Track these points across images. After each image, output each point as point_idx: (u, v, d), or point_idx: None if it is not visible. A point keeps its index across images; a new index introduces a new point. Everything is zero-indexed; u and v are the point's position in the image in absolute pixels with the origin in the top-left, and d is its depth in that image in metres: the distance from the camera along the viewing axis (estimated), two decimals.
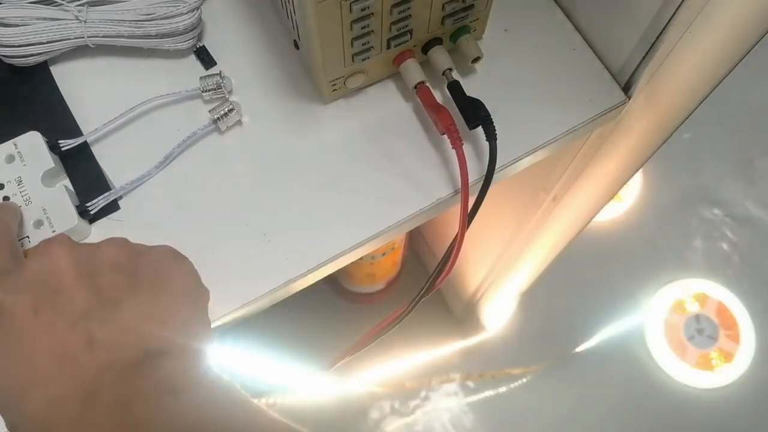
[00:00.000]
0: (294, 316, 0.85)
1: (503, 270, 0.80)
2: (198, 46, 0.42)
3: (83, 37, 0.39)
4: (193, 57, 0.42)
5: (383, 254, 0.89)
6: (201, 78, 0.40)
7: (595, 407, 1.11)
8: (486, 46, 0.42)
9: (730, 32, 0.33)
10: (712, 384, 1.13)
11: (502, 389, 1.12)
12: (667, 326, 1.15)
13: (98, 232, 0.38)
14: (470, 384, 1.11)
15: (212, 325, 0.36)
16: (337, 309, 1.10)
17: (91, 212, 0.37)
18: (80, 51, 0.41)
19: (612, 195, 0.51)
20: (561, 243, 0.63)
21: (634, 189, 1.25)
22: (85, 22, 0.39)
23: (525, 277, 0.76)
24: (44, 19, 0.39)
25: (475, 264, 0.88)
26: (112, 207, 0.38)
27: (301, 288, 0.39)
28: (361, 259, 0.90)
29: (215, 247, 0.37)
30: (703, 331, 1.15)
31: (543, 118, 0.41)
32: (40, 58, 0.40)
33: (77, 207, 0.37)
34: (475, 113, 0.38)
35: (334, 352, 0.74)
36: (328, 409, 1.07)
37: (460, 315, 1.09)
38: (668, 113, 0.40)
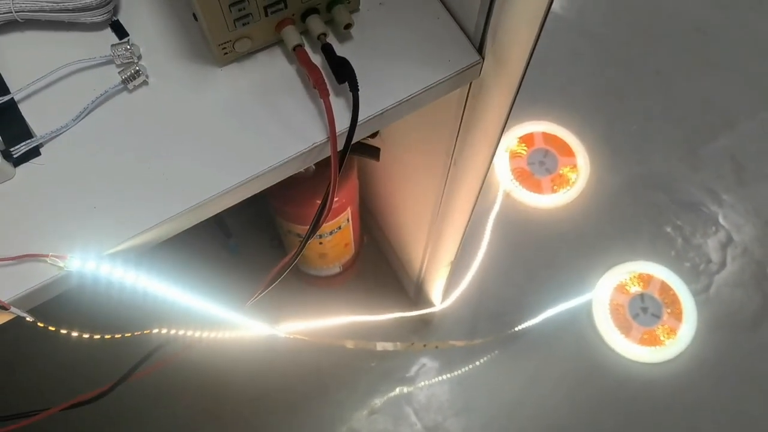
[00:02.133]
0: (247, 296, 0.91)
1: (435, 242, 0.86)
2: (113, 20, 0.49)
3: (11, 12, 0.46)
4: (109, 30, 0.49)
5: (330, 233, 0.96)
6: (112, 45, 0.47)
7: (545, 382, 1.17)
8: (362, 17, 0.49)
9: None
10: (656, 359, 1.18)
11: (457, 371, 1.18)
12: (613, 305, 1.21)
13: (22, 173, 0.44)
14: (426, 362, 1.17)
15: (120, 247, 0.42)
16: (295, 291, 1.16)
17: (14, 156, 0.44)
18: (10, 25, 0.48)
19: (492, 153, 0.57)
20: (467, 207, 0.69)
21: (583, 176, 1.32)
22: None
23: (451, 247, 0.82)
24: None
25: (414, 239, 0.94)
26: (34, 153, 0.45)
27: (197, 220, 0.45)
28: None
29: (122, 184, 0.44)
30: (647, 310, 1.21)
31: (407, 76, 0.48)
32: None
33: (2, 152, 0.43)
34: (341, 70, 0.45)
35: (288, 325, 0.80)
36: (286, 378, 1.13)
37: (413, 295, 1.15)
38: (511, 67, 0.46)
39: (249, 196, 0.47)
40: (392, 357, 1.17)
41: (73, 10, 0.47)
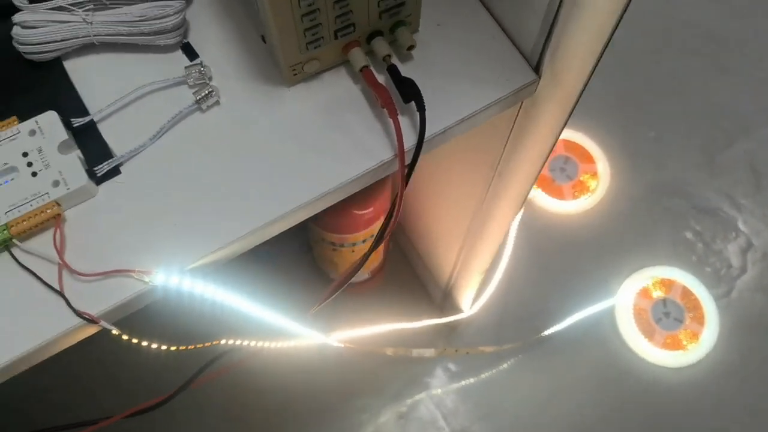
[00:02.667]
0: (288, 303, 0.93)
1: (469, 250, 0.88)
2: (183, 42, 0.51)
3: (89, 36, 0.48)
4: (179, 51, 0.51)
5: (363, 241, 0.98)
6: (186, 67, 0.49)
7: (571, 387, 1.19)
8: (421, 37, 0.51)
9: (597, 14, 0.42)
10: (679, 363, 1.20)
11: (483, 374, 1.20)
12: (636, 310, 1.23)
13: (104, 191, 0.46)
14: (452, 368, 1.19)
15: (202, 261, 0.44)
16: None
17: (98, 174, 0.46)
18: (87, 48, 0.50)
19: (540, 166, 0.59)
20: (509, 218, 0.71)
21: (603, 183, 1.34)
22: (91, 23, 0.48)
23: (487, 256, 0.84)
24: (57, 21, 0.48)
25: (447, 248, 0.96)
26: (115, 172, 0.47)
27: (274, 234, 0.47)
28: (342, 246, 0.98)
29: (200, 200, 0.46)
30: (670, 314, 1.23)
31: (467, 94, 0.50)
32: (54, 54, 0.49)
33: (86, 171, 0.45)
34: (408, 89, 0.47)
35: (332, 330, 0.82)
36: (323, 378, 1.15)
37: (440, 301, 1.17)
38: (569, 87, 0.48)
39: (318, 211, 0.49)
40: (419, 362, 1.19)
41: (149, 34, 0.49)
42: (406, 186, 0.47)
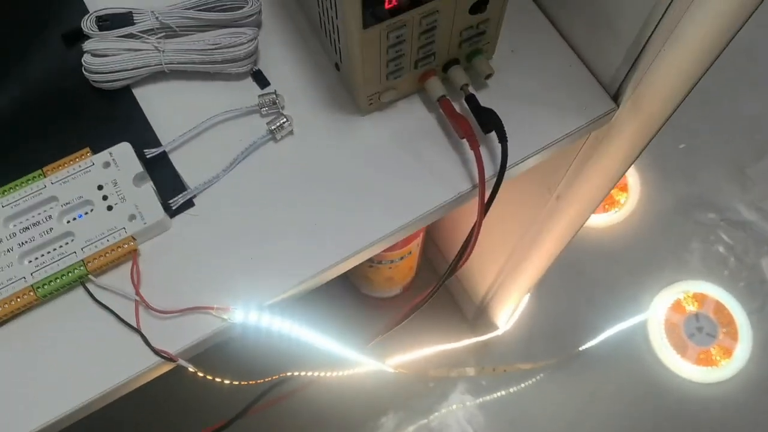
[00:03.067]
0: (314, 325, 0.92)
1: (513, 269, 0.87)
2: (254, 70, 0.49)
3: (161, 64, 0.47)
4: (250, 79, 0.50)
5: (401, 258, 0.97)
6: (259, 96, 0.48)
7: (603, 403, 1.18)
8: (496, 65, 0.50)
9: (694, 50, 0.41)
10: (712, 379, 1.19)
11: (513, 388, 1.19)
12: (668, 325, 1.22)
13: (178, 224, 0.45)
14: (483, 382, 1.18)
15: (280, 297, 0.43)
16: (355, 313, 1.17)
17: (173, 208, 0.45)
18: (157, 76, 0.49)
19: (607, 192, 0.58)
20: (564, 239, 0.70)
21: (633, 196, 1.32)
22: (163, 51, 0.47)
23: (532, 275, 0.83)
24: (129, 49, 0.47)
25: (487, 266, 0.95)
26: (189, 204, 0.46)
27: (349, 267, 0.46)
28: (380, 263, 0.97)
29: (276, 233, 0.45)
30: (703, 329, 1.22)
31: (546, 123, 0.48)
32: (124, 83, 0.48)
33: (162, 204, 0.44)
34: (489, 120, 0.46)
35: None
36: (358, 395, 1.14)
37: (472, 317, 1.16)
38: (650, 118, 0.47)
39: (393, 243, 0.48)
40: (449, 380, 1.18)
41: (221, 62, 0.47)
42: (485, 216, 0.46)
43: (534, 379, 1.19)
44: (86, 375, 0.41)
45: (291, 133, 0.48)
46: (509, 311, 1.01)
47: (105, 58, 0.47)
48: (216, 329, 0.42)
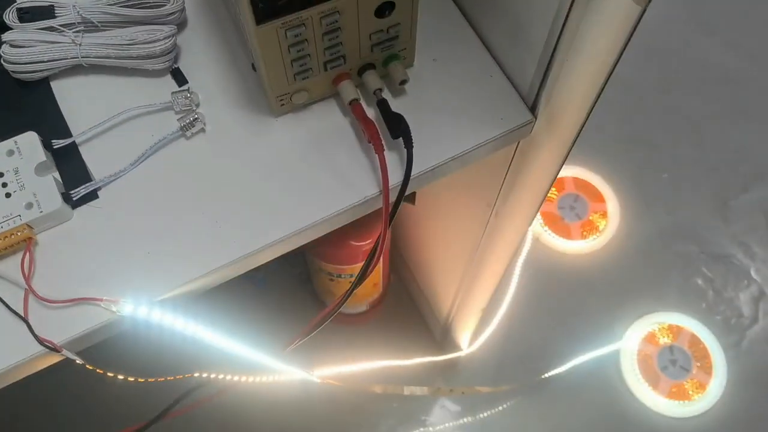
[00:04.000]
0: (279, 337, 0.91)
1: (467, 289, 0.86)
2: (174, 68, 0.50)
3: (78, 58, 0.48)
4: (169, 76, 0.50)
5: None
6: (172, 93, 0.48)
7: None
8: (416, 73, 0.50)
9: (592, 61, 0.40)
10: (685, 413, 1.16)
11: (481, 414, 1.17)
12: (641, 356, 1.19)
13: (80, 215, 0.45)
14: (449, 405, 1.16)
15: (172, 293, 0.43)
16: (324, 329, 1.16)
17: (74, 198, 0.45)
18: (75, 69, 0.49)
19: (537, 207, 0.57)
20: (507, 255, 0.69)
21: (613, 223, 1.31)
22: (80, 45, 0.47)
23: (484, 294, 0.82)
24: (47, 42, 0.48)
25: (445, 285, 0.94)
26: (92, 196, 0.45)
27: (251, 267, 0.46)
28: (340, 276, 0.97)
29: (176, 230, 0.45)
30: (677, 362, 1.19)
31: (459, 132, 0.48)
32: (42, 74, 0.49)
33: (62, 194, 0.44)
34: (397, 125, 0.45)
35: (323, 365, 0.80)
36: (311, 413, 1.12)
37: (439, 338, 1.14)
38: (565, 128, 0.47)
39: (297, 246, 0.47)
40: (414, 399, 1.16)
41: (137, 58, 0.48)
42: (390, 224, 0.46)
43: (503, 407, 1.17)
44: None
45: (203, 131, 0.48)
46: (470, 332, 1.00)
47: (24, 49, 0.48)
48: (104, 321, 0.42)
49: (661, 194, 1.34)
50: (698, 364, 1.19)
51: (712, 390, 1.17)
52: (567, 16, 0.40)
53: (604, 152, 1.37)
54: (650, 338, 1.21)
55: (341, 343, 1.10)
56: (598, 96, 0.43)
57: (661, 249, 1.29)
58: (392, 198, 0.45)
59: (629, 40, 0.37)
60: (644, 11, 0.35)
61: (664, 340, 1.21)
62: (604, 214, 1.32)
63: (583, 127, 0.46)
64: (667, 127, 1.41)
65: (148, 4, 0.49)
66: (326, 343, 0.96)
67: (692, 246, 1.30)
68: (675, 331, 1.22)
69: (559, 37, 0.42)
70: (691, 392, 1.17)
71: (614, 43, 0.38)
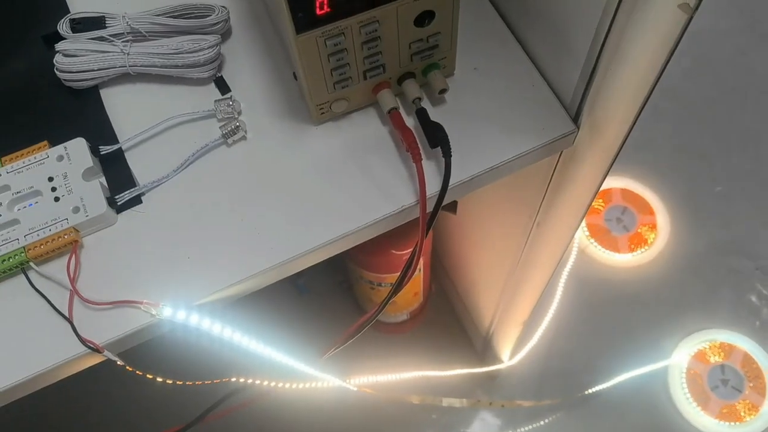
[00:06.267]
0: (320, 344, 0.91)
1: (509, 299, 0.84)
2: (217, 76, 0.51)
3: (126, 66, 0.49)
4: (213, 85, 0.51)
5: None
6: (215, 101, 0.49)
7: None
8: (456, 81, 0.49)
9: (637, 69, 0.39)
10: None
11: (521, 429, 1.15)
12: (690, 375, 1.15)
13: (124, 219, 0.46)
14: (488, 418, 1.14)
15: (210, 298, 0.43)
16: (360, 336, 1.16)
17: (118, 203, 0.46)
18: (123, 77, 0.50)
19: (582, 216, 0.56)
20: (549, 267, 0.68)
21: (663, 236, 1.27)
22: (128, 54, 0.49)
23: (525, 307, 0.81)
24: (97, 51, 0.49)
25: (486, 295, 0.93)
26: (136, 201, 0.47)
27: (289, 273, 0.46)
28: (380, 285, 0.97)
29: (216, 235, 0.45)
30: (728, 382, 1.15)
31: (499, 142, 0.47)
32: (92, 83, 0.50)
33: (107, 198, 0.45)
34: (435, 134, 0.45)
35: (361, 374, 0.80)
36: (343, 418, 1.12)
37: (480, 349, 1.13)
38: (609, 138, 0.46)
39: (335, 254, 0.47)
40: (454, 411, 1.15)
41: (182, 67, 0.49)
42: (426, 234, 0.45)
43: (543, 422, 1.15)
44: (13, 359, 0.42)
45: (244, 138, 0.49)
46: (511, 345, 0.98)
47: (75, 58, 0.49)
48: (144, 324, 0.43)
49: (714, 207, 1.30)
50: (751, 384, 1.14)
51: (766, 412, 1.12)
52: (611, 23, 0.39)
53: (654, 164, 1.33)
54: (700, 356, 1.17)
55: (381, 352, 1.10)
56: (644, 105, 0.41)
57: (713, 264, 1.25)
58: (429, 208, 0.45)
59: (675, 48, 0.36)
60: (691, 19, 0.34)
61: (715, 358, 1.17)
62: (653, 227, 1.28)
63: (627, 137, 0.45)
64: (721, 138, 1.36)
65: (193, 15, 0.51)
66: (365, 352, 0.96)
67: (746, 261, 1.25)
68: (727, 349, 1.17)
69: (602, 46, 0.41)
70: (743, 413, 1.12)
71: (659, 52, 0.37)
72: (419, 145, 0.45)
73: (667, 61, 0.37)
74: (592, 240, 1.27)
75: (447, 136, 0.45)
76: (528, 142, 0.47)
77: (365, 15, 0.40)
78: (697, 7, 0.33)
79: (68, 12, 0.53)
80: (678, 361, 1.17)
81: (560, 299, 1.20)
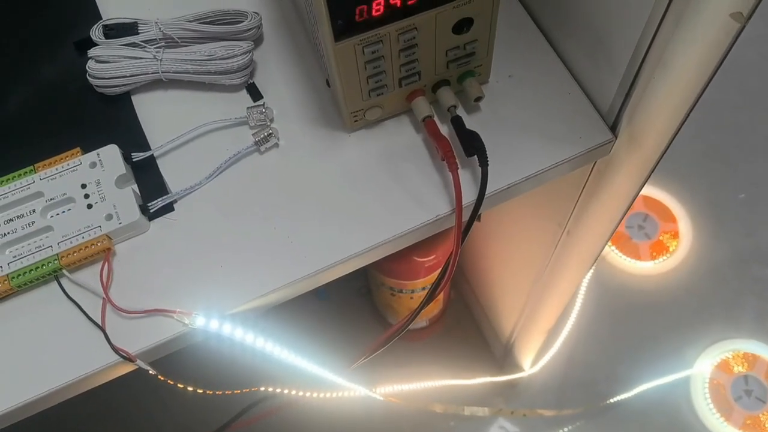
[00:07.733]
0: (340, 350, 0.91)
1: (533, 309, 0.83)
2: (249, 83, 0.50)
3: (158, 73, 0.49)
4: (245, 91, 0.50)
5: (423, 288, 0.95)
6: (248, 108, 0.48)
7: None
8: (491, 89, 0.49)
9: (683, 78, 0.38)
10: None
11: None
12: (713, 385, 1.14)
13: (156, 227, 0.46)
14: (508, 427, 1.13)
15: (243, 307, 0.43)
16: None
17: (151, 210, 0.45)
18: (155, 84, 0.50)
19: (614, 228, 0.55)
20: (578, 276, 0.67)
21: (685, 244, 1.26)
22: (161, 60, 0.49)
23: (550, 315, 0.80)
24: (130, 57, 0.49)
25: (509, 303, 0.92)
26: (168, 208, 0.46)
27: (322, 283, 0.46)
28: (401, 291, 0.96)
29: (249, 244, 0.45)
30: (752, 393, 1.13)
31: (536, 151, 0.47)
32: (125, 89, 0.50)
33: (140, 206, 0.45)
34: (471, 143, 0.45)
35: (381, 382, 0.79)
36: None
37: (500, 357, 1.12)
38: (648, 149, 0.45)
39: (368, 263, 0.47)
40: (473, 419, 1.14)
41: (215, 73, 0.48)
42: (462, 243, 0.45)
43: (563, 431, 1.13)
44: (46, 367, 0.42)
45: (276, 145, 0.48)
46: (533, 353, 0.97)
47: (108, 64, 0.49)
48: (177, 333, 0.43)
49: (738, 215, 1.28)
50: None
51: None
52: (656, 32, 0.38)
53: (676, 170, 1.32)
54: (723, 366, 1.15)
55: (399, 359, 1.09)
56: (686, 116, 0.41)
57: (737, 272, 1.23)
58: (464, 217, 0.44)
59: (724, 59, 0.35)
60: (743, 28, 0.33)
61: (739, 368, 1.15)
62: (675, 235, 1.27)
63: (668, 148, 0.44)
64: (744, 145, 1.35)
65: (226, 21, 0.50)
66: (384, 359, 0.94)
67: None
68: (750, 359, 1.16)
69: (646, 54, 0.40)
70: (767, 425, 1.11)
71: (707, 62, 0.36)
72: (455, 154, 0.44)
73: (714, 73, 0.37)
74: (613, 247, 1.26)
75: (484, 145, 0.44)
76: (565, 151, 0.46)
77: (404, 22, 0.40)
78: (750, 17, 0.33)
79: (101, 18, 0.53)
80: (701, 370, 1.15)
81: (581, 307, 1.19)
